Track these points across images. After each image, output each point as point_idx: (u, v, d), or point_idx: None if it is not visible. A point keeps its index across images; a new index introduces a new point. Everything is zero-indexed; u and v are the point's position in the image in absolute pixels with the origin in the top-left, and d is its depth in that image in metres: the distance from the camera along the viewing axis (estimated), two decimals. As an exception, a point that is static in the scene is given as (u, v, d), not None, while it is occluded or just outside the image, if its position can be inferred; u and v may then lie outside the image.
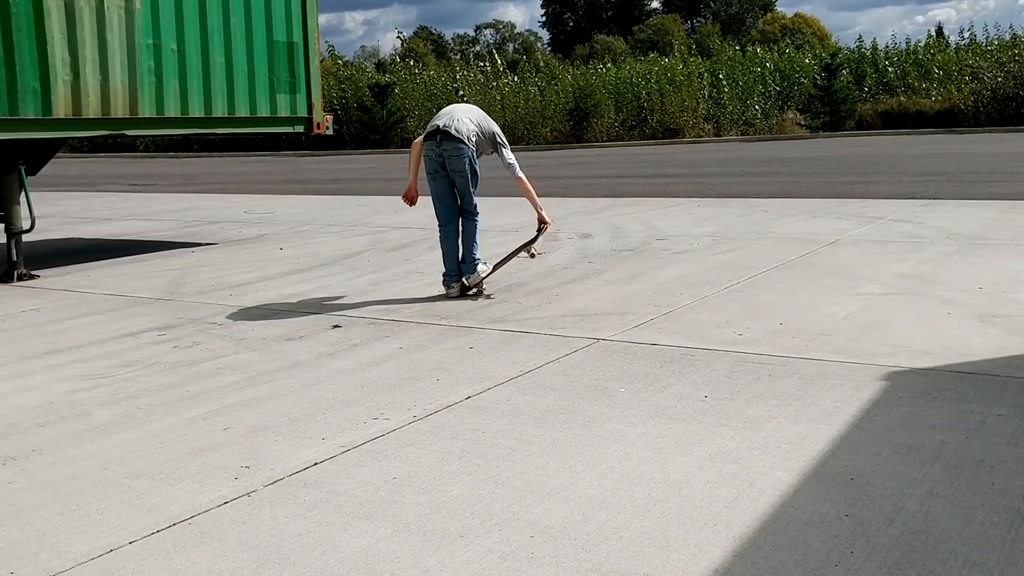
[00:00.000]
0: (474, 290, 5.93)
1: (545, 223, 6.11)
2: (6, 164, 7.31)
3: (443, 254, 5.99)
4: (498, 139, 5.99)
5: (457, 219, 5.98)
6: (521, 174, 5.96)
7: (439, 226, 6.00)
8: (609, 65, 33.75)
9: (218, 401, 3.85)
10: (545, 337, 4.75)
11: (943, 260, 6.56)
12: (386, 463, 3.09)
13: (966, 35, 33.99)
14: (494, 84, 31.69)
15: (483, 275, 5.97)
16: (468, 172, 5.81)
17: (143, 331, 5.25)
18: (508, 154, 5.96)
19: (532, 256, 6.33)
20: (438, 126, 5.81)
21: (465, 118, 5.87)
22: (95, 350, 4.83)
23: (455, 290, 5.92)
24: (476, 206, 5.99)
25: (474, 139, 5.83)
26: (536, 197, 6.05)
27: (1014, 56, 27.74)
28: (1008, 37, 30.59)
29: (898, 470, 2.87)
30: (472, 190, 5.91)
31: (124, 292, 6.56)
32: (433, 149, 5.80)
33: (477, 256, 5.99)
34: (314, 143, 29.46)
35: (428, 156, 5.85)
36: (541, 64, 38.48)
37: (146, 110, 7.70)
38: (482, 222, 6.09)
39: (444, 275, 5.98)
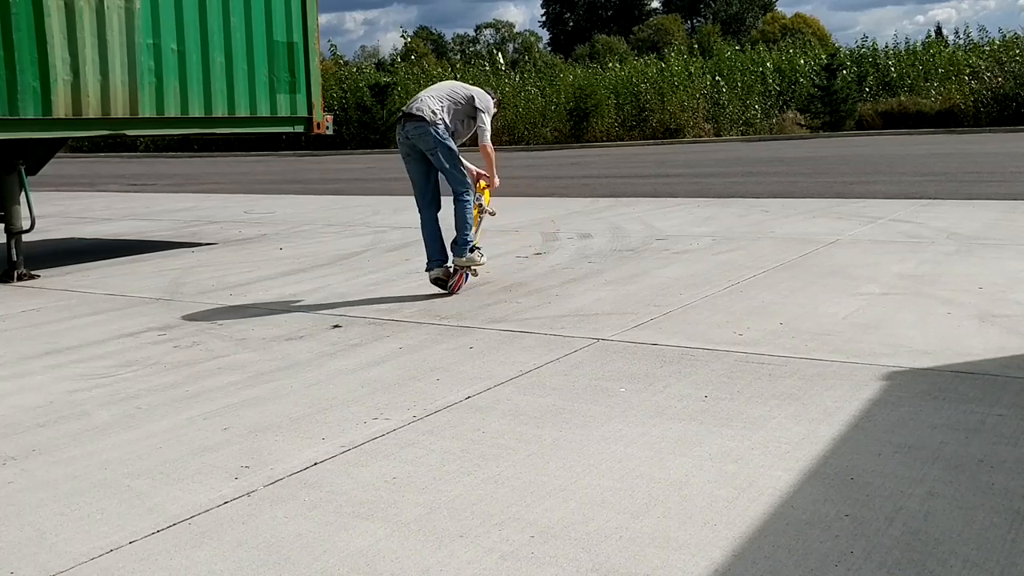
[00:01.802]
0: (459, 271, 5.95)
1: (489, 182, 6.24)
2: (6, 164, 7.31)
3: (424, 240, 5.96)
4: (477, 103, 5.90)
5: (434, 205, 5.95)
6: (487, 142, 5.90)
7: (419, 211, 6.00)
8: (612, 64, 33.74)
9: (218, 401, 3.85)
10: (545, 337, 4.75)
11: (943, 260, 6.56)
12: (386, 463, 3.09)
13: (962, 36, 34.03)
14: (495, 84, 31.69)
15: (476, 262, 5.96)
16: (438, 148, 5.74)
17: (143, 331, 5.25)
18: (485, 120, 5.88)
19: (492, 214, 6.47)
20: (404, 110, 5.87)
21: (430, 96, 5.84)
22: (95, 350, 4.83)
23: (436, 272, 5.88)
24: (466, 185, 5.90)
25: (440, 114, 5.74)
26: (495, 167, 6.13)
27: (1013, 56, 27.75)
28: (1003, 37, 30.60)
29: (898, 470, 2.87)
30: (452, 167, 5.82)
31: (124, 292, 6.56)
32: (401, 132, 5.85)
33: (470, 238, 5.93)
34: (314, 143, 29.47)
35: (399, 140, 5.89)
36: (540, 63, 38.46)
37: (146, 110, 7.70)
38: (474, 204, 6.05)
39: (427, 261, 5.96)
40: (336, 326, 5.21)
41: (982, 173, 13.55)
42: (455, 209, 5.95)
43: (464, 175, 5.93)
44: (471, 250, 5.97)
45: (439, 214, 6.02)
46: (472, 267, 6.03)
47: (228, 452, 3.24)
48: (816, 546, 2.40)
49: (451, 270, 5.97)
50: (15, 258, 7.25)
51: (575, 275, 6.54)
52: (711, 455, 3.05)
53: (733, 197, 11.79)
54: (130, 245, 9.38)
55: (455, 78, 32.34)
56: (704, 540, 2.45)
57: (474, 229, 6.09)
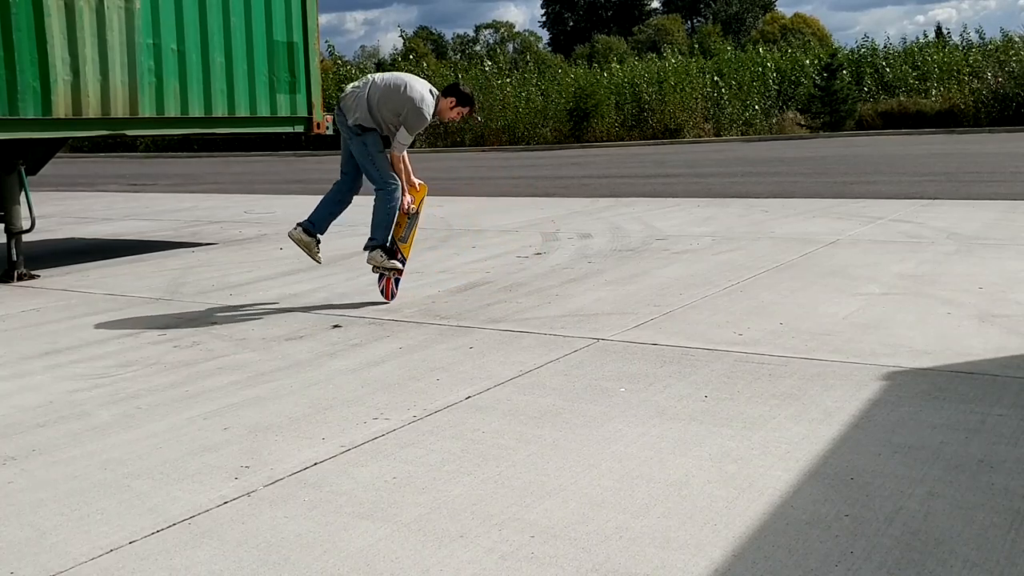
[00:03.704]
0: (382, 274, 5.77)
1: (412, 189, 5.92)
2: (6, 164, 7.31)
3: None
4: (406, 117, 5.54)
5: (345, 181, 5.91)
6: (397, 153, 5.67)
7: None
8: (612, 64, 33.74)
9: (218, 401, 3.85)
10: (545, 337, 4.75)
11: (943, 260, 6.56)
12: (386, 463, 3.09)
13: (958, 37, 34.06)
14: (496, 83, 31.65)
15: (377, 261, 5.72)
16: (358, 146, 5.65)
17: (143, 331, 5.25)
18: (405, 138, 5.62)
19: (411, 213, 5.98)
20: (342, 93, 5.81)
21: (366, 91, 5.61)
22: (95, 350, 4.83)
23: (297, 232, 5.87)
24: (385, 181, 5.65)
25: (361, 113, 5.57)
26: (409, 174, 5.82)
27: (1012, 56, 27.75)
28: (1003, 39, 30.60)
29: (898, 470, 2.87)
30: (369, 165, 5.65)
31: (124, 292, 6.56)
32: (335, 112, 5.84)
33: (376, 239, 5.71)
34: (314, 143, 29.44)
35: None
36: (542, 65, 38.41)
37: (146, 110, 7.70)
38: (398, 199, 5.71)
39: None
40: (336, 326, 5.21)
41: (982, 173, 13.55)
42: (375, 201, 5.77)
43: (382, 172, 5.65)
44: (378, 248, 5.72)
45: (351, 198, 5.95)
46: (384, 269, 5.76)
47: (228, 452, 3.24)
48: (816, 546, 2.40)
49: (314, 238, 5.88)
50: (15, 258, 7.25)
51: (575, 275, 6.54)
52: (711, 455, 3.05)
53: (733, 197, 11.79)
54: (130, 245, 9.38)
55: (456, 77, 32.34)
56: (704, 540, 2.45)
57: (404, 234, 5.86)
